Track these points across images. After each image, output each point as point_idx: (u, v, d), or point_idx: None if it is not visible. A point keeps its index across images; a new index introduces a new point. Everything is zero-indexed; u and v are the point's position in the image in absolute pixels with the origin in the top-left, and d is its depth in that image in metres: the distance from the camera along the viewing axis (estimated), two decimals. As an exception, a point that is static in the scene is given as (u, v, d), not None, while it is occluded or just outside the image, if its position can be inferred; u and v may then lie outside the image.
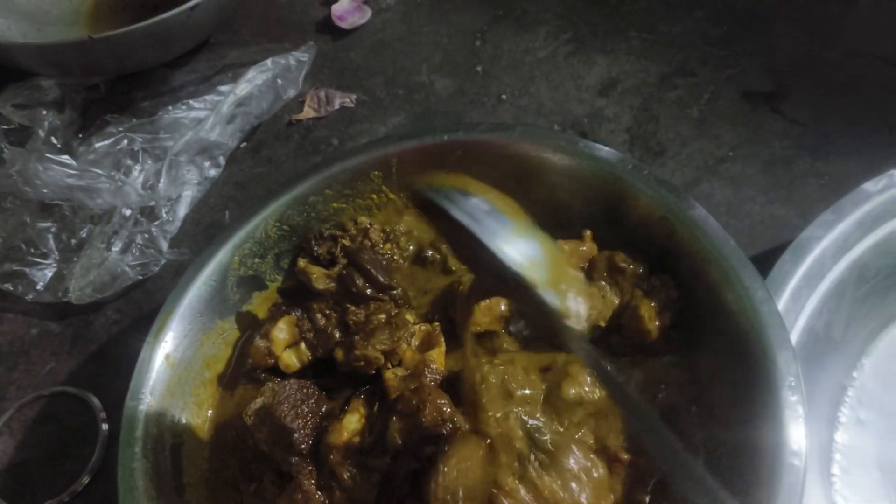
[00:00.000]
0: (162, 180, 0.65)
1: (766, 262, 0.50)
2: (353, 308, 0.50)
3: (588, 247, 0.52)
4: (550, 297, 0.36)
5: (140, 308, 0.64)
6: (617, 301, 0.50)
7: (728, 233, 0.48)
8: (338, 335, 0.50)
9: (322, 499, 0.44)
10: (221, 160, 0.69)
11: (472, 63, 0.73)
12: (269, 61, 0.69)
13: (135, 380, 0.48)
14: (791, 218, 0.59)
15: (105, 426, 0.58)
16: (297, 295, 0.52)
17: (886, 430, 0.51)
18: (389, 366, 0.49)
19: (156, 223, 0.66)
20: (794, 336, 0.49)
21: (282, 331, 0.50)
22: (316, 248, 0.54)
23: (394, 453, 0.43)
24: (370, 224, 0.55)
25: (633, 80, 0.69)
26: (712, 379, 0.47)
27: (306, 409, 0.46)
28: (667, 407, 0.47)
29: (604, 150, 0.52)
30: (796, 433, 0.40)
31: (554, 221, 0.53)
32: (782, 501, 0.38)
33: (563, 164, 0.53)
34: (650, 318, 0.49)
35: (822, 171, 0.62)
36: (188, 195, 0.68)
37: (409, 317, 0.51)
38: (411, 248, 0.56)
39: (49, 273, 0.65)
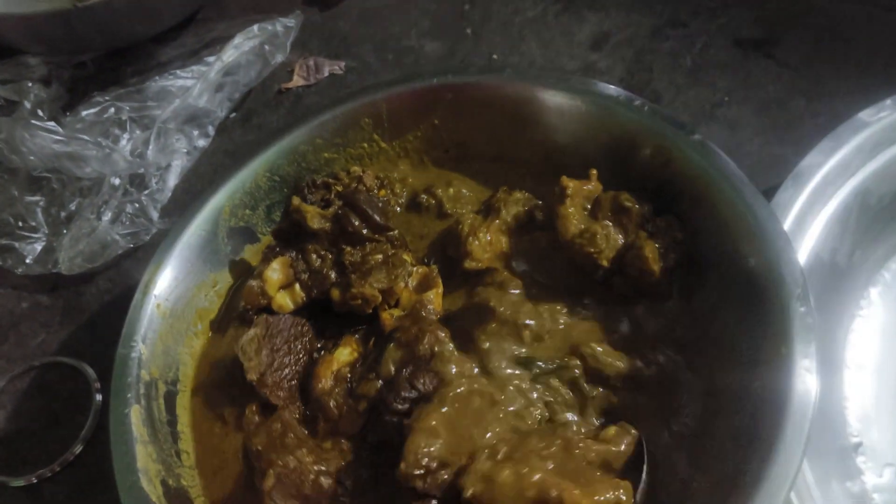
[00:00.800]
0: (150, 148, 0.65)
1: (768, 199, 0.50)
2: (349, 248, 0.49)
3: (593, 185, 0.50)
4: None
5: (132, 278, 0.62)
6: (621, 241, 0.49)
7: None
8: (333, 276, 0.49)
9: (303, 430, 0.42)
10: (210, 129, 0.68)
11: (462, 26, 0.72)
12: (255, 27, 0.69)
13: (126, 327, 0.47)
14: (789, 156, 0.58)
15: (98, 396, 0.56)
16: (291, 236, 0.51)
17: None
18: (387, 306, 0.48)
19: (146, 192, 0.65)
20: (800, 260, 0.48)
21: (275, 271, 0.49)
22: (309, 196, 0.53)
23: (386, 381, 0.42)
24: (364, 171, 0.54)
25: (625, 34, 0.69)
26: (718, 312, 0.46)
27: (299, 346, 0.45)
28: (676, 345, 0.46)
29: (596, 84, 0.52)
30: (806, 346, 0.39)
31: (552, 164, 0.54)
32: (792, 420, 0.37)
33: (555, 102, 0.52)
34: (654, 259, 0.47)
35: (818, 111, 0.61)
36: (178, 165, 0.67)
37: (407, 257, 0.50)
38: (406, 194, 0.55)
39: (38, 246, 0.64)
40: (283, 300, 0.49)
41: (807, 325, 0.40)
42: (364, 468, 0.43)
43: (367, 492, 0.43)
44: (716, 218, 0.46)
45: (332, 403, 0.44)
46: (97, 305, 0.62)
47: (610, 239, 0.49)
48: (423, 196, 0.55)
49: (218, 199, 0.53)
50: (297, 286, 0.50)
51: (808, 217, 0.49)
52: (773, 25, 0.67)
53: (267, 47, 0.69)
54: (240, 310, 0.50)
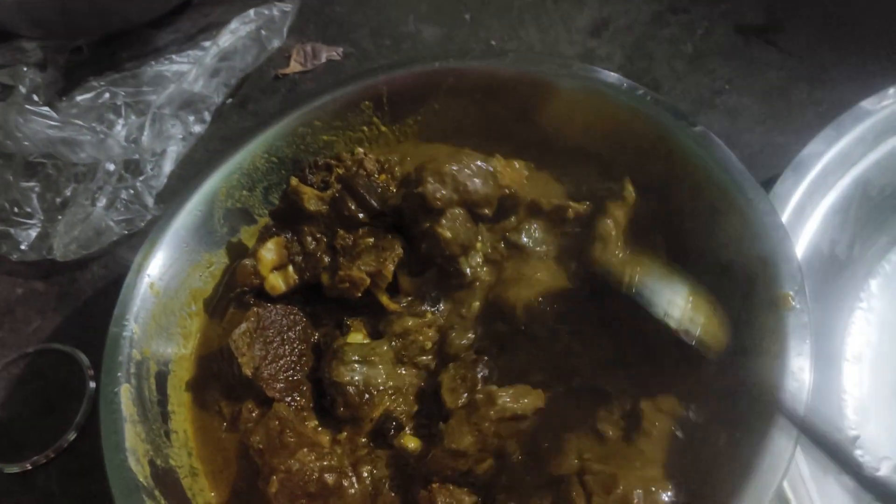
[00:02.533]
0: (145, 134, 0.64)
1: (767, 189, 0.49)
2: (342, 232, 0.49)
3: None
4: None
5: (126, 264, 0.61)
6: None
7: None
8: (326, 260, 0.49)
9: (302, 423, 0.42)
10: (206, 115, 0.67)
11: (460, 10, 0.71)
12: (251, 12, 0.68)
13: (118, 307, 0.47)
14: (791, 145, 0.57)
15: (92, 383, 0.56)
16: (288, 218, 0.51)
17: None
18: (379, 288, 0.47)
19: (140, 178, 0.64)
20: (799, 252, 0.47)
21: (270, 251, 0.49)
22: (310, 177, 0.52)
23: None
24: (365, 154, 0.54)
25: (625, 20, 0.68)
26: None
27: (293, 336, 0.45)
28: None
29: (597, 72, 0.51)
30: (800, 344, 0.39)
31: (552, 153, 0.53)
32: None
33: (558, 89, 0.51)
34: None
35: (820, 99, 0.60)
36: (173, 151, 0.66)
37: (397, 241, 0.49)
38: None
39: (33, 233, 0.63)
40: (276, 281, 0.49)
41: (801, 323, 0.39)
42: (379, 457, 0.44)
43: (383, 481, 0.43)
44: (714, 211, 0.46)
45: (351, 389, 0.45)
46: (91, 292, 0.61)
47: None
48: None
49: (214, 181, 0.53)
50: (291, 268, 0.50)
51: (807, 208, 0.48)
52: (775, 11, 0.66)
53: (263, 32, 0.68)
54: (236, 291, 0.50)
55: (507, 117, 0.53)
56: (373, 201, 0.50)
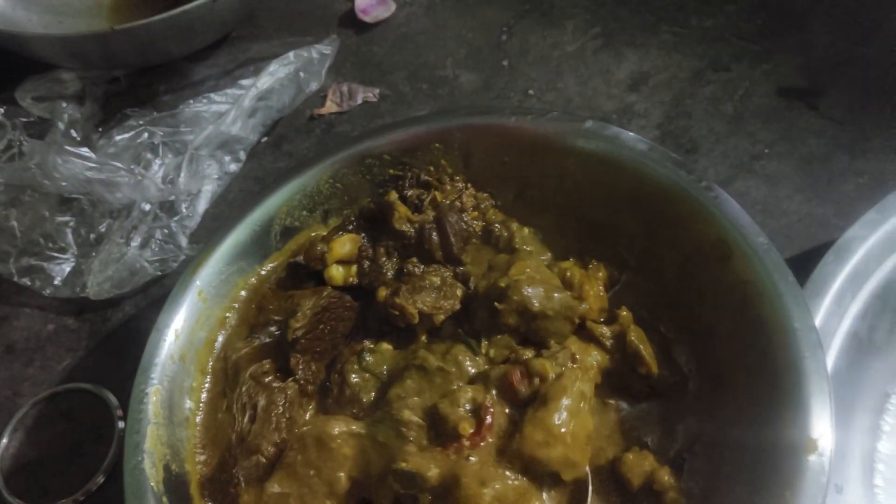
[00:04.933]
0: (182, 174, 0.64)
1: (803, 262, 0.48)
2: (414, 259, 0.50)
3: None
4: None
5: (158, 304, 0.62)
6: None
7: (768, 236, 0.45)
8: (390, 276, 0.50)
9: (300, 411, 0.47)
10: (242, 154, 0.68)
11: (498, 57, 0.71)
12: (291, 54, 0.68)
13: (165, 309, 0.50)
14: (829, 217, 0.57)
15: (121, 424, 0.56)
16: (373, 222, 0.52)
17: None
18: (422, 330, 0.49)
19: (175, 218, 0.64)
20: (837, 340, 0.47)
21: (344, 245, 0.51)
22: (408, 190, 0.53)
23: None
24: (467, 186, 0.54)
25: (665, 75, 0.67)
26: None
27: (341, 328, 0.49)
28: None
29: (670, 158, 0.49)
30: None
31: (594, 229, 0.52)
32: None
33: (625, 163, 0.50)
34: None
35: (861, 170, 0.59)
36: (208, 190, 0.66)
37: (459, 292, 0.49)
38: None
39: (67, 268, 0.64)
40: (336, 273, 0.51)
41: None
42: None
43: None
44: (757, 326, 0.43)
45: (347, 391, 0.47)
46: (123, 332, 0.62)
47: None
48: (496, 226, 0.54)
49: (276, 199, 0.54)
50: (355, 268, 0.52)
51: (847, 294, 0.48)
52: (817, 74, 0.65)
53: (302, 74, 0.68)
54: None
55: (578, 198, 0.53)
56: (454, 247, 0.51)
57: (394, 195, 0.52)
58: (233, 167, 0.67)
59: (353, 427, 0.45)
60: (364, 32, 0.75)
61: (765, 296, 0.43)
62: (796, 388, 0.40)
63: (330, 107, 0.70)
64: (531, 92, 0.68)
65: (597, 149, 0.51)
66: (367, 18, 0.75)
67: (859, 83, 0.64)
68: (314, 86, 0.69)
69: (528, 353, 0.46)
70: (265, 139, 0.70)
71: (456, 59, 0.72)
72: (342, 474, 0.44)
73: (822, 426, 0.38)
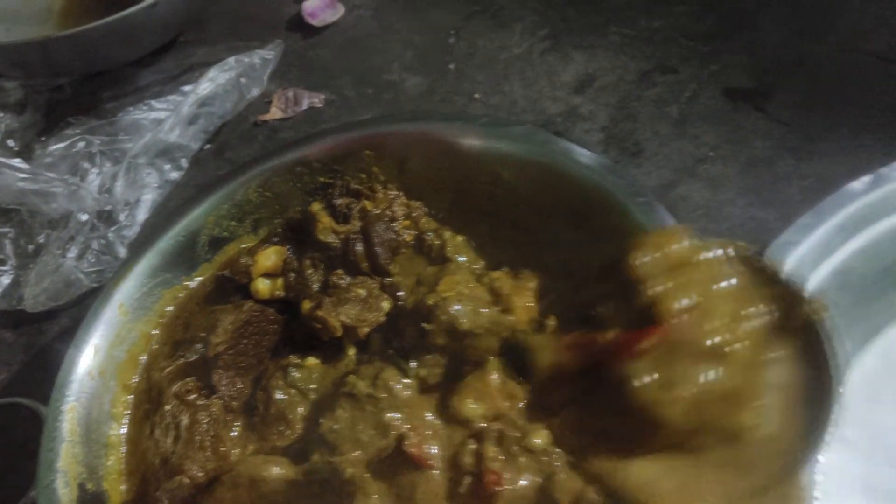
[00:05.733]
0: (119, 183, 0.63)
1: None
2: (340, 271, 0.49)
3: None
4: None
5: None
6: None
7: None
8: (316, 288, 0.49)
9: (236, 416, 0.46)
10: (183, 162, 0.67)
11: (445, 61, 0.70)
12: (232, 59, 0.67)
13: (81, 328, 0.49)
14: (771, 221, 0.56)
15: (55, 439, 0.56)
16: (298, 234, 0.51)
17: (872, 450, 0.48)
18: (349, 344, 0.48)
19: (113, 228, 0.63)
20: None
21: (269, 258, 0.50)
22: (337, 199, 0.52)
23: None
24: (399, 194, 0.53)
25: (611, 77, 0.66)
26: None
27: (265, 342, 0.48)
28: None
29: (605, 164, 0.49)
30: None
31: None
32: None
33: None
34: None
35: (806, 173, 0.58)
36: (148, 199, 0.65)
37: (386, 305, 0.48)
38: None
39: (6, 280, 0.63)
40: (262, 286, 0.50)
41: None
42: None
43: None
44: None
45: (273, 409, 0.46)
46: (59, 345, 0.60)
47: None
48: (429, 235, 0.52)
49: (202, 210, 0.53)
50: (281, 281, 0.51)
51: (780, 300, 0.47)
52: (766, 75, 0.64)
53: (243, 80, 0.67)
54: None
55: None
56: (381, 259, 0.49)
57: (316, 206, 0.51)
58: (174, 175, 0.66)
59: (290, 472, 0.44)
60: (312, 36, 0.74)
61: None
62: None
63: (274, 113, 0.69)
64: (477, 95, 0.67)
65: (527, 154, 0.50)
66: (315, 22, 0.74)
67: (809, 84, 0.63)
68: (256, 91, 0.68)
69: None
70: (208, 146, 0.69)
71: (403, 63, 0.71)
72: None
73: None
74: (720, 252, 0.31)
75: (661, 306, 0.29)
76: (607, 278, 0.33)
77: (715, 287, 0.30)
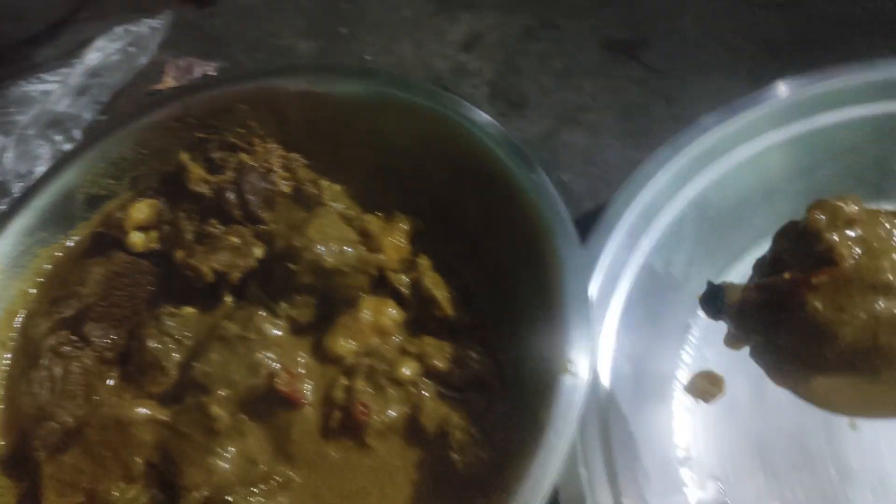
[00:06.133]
0: (9, 155, 0.63)
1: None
2: (213, 221, 0.50)
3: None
4: None
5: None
6: None
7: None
8: (190, 238, 0.50)
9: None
10: (76, 133, 0.66)
11: (336, 25, 0.71)
12: (120, 29, 0.67)
13: None
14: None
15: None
16: (171, 185, 0.52)
17: (728, 369, 0.50)
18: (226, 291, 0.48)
19: (5, 200, 0.63)
20: (631, 273, 0.48)
21: (141, 211, 0.51)
22: (213, 153, 0.53)
23: None
24: (276, 146, 0.53)
25: (497, 35, 0.68)
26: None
27: (140, 294, 0.49)
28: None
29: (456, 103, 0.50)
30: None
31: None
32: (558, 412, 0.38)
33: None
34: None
35: (678, 116, 0.61)
36: (41, 170, 0.65)
37: (258, 251, 0.49)
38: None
39: None
40: (137, 239, 0.51)
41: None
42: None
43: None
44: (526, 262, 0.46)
45: (147, 357, 0.46)
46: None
47: None
48: (307, 184, 0.53)
49: (76, 170, 0.53)
50: (156, 233, 0.51)
51: (639, 229, 0.49)
52: (641, 26, 0.66)
53: (132, 49, 0.67)
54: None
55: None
56: (252, 207, 0.50)
57: (184, 156, 0.51)
58: (67, 147, 0.66)
59: (157, 414, 0.45)
60: (204, 7, 0.74)
61: (547, 237, 0.44)
62: (559, 314, 0.41)
63: (168, 82, 0.70)
64: (368, 57, 0.69)
65: (396, 100, 0.51)
66: (208, -8, 0.74)
67: (681, 32, 0.65)
68: (144, 60, 0.68)
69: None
70: (103, 117, 0.69)
71: (295, 29, 0.71)
72: (139, 459, 0.44)
73: (578, 348, 0.39)
74: (889, 211, 0.36)
75: (836, 250, 0.35)
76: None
77: (884, 235, 0.35)
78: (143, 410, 0.44)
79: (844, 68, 0.51)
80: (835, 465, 0.46)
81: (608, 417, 0.43)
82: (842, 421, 0.47)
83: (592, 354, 0.39)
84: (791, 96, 0.51)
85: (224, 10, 0.74)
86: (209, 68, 0.70)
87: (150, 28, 0.68)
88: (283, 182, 0.53)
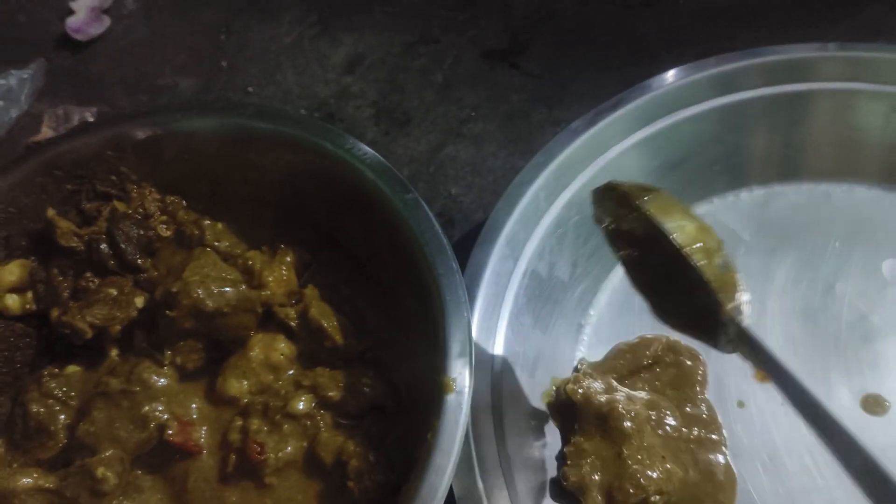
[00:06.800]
0: None
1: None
2: (88, 274, 0.48)
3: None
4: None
5: None
6: None
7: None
8: (67, 295, 0.48)
9: None
10: (-49, 194, 0.64)
11: (217, 58, 0.70)
12: (-13, 83, 0.65)
13: None
14: (529, 168, 0.59)
15: None
16: (42, 242, 0.50)
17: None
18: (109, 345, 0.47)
19: None
20: (515, 281, 0.48)
21: (11, 273, 0.48)
22: (86, 204, 0.51)
23: None
24: (151, 191, 0.52)
25: (378, 54, 0.68)
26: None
27: (18, 357, 0.47)
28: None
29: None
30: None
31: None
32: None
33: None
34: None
35: (559, 119, 0.62)
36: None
37: (139, 301, 0.48)
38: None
39: None
40: (11, 302, 0.49)
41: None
42: None
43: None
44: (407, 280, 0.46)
45: (32, 423, 0.45)
46: None
47: None
48: (188, 226, 0.52)
49: None
50: (31, 294, 0.49)
51: (520, 237, 0.49)
52: (518, 34, 0.67)
53: (1, 102, 0.65)
54: None
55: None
56: (128, 256, 0.49)
57: (51, 212, 0.50)
58: (-58, 208, 0.64)
59: (42, 482, 0.43)
60: (80, 52, 0.72)
61: (423, 254, 0.44)
62: (441, 330, 0.41)
63: (46, 133, 0.67)
64: (250, 89, 0.68)
65: (266, 132, 0.51)
66: (81, 37, 0.72)
67: (556, 36, 0.67)
68: (14, 113, 0.66)
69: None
70: (-20, 175, 0.66)
71: (175, 66, 0.70)
72: None
73: (459, 366, 0.39)
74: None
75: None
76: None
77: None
78: (26, 480, 0.42)
79: (702, 63, 0.53)
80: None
81: (503, 425, 0.44)
82: (731, 400, 0.48)
83: (471, 369, 0.39)
84: (656, 93, 0.53)
85: (101, 52, 0.72)
86: (88, 114, 0.68)
87: (20, 79, 0.66)
88: (163, 226, 0.52)
